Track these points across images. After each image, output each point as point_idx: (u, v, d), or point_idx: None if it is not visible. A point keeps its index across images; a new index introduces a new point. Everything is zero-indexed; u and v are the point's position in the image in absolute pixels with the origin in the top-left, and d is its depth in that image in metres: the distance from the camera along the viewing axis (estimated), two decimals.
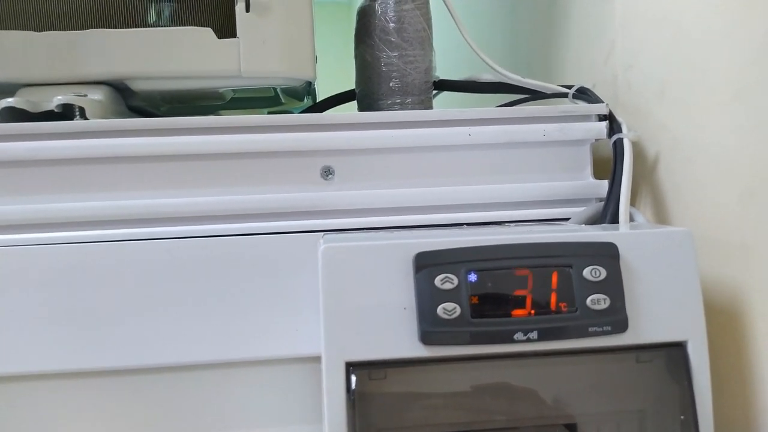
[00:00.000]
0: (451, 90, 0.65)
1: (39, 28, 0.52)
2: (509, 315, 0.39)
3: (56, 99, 0.50)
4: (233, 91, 0.66)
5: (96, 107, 0.51)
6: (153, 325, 0.46)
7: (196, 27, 0.53)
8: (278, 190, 0.50)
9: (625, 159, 0.51)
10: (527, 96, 0.63)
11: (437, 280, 0.39)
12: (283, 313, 0.47)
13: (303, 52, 0.54)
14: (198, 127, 0.49)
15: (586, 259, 0.40)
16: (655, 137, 0.53)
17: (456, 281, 0.39)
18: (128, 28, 0.53)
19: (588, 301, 0.39)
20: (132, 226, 0.49)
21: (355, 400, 0.38)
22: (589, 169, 0.54)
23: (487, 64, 0.63)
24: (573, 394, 0.40)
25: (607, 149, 0.53)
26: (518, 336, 0.39)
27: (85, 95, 0.51)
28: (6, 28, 0.52)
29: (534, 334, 0.39)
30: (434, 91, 0.62)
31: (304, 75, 0.55)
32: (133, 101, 0.58)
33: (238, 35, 0.53)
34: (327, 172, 0.51)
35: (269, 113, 0.74)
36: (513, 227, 0.50)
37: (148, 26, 0.54)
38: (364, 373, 0.39)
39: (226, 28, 0.53)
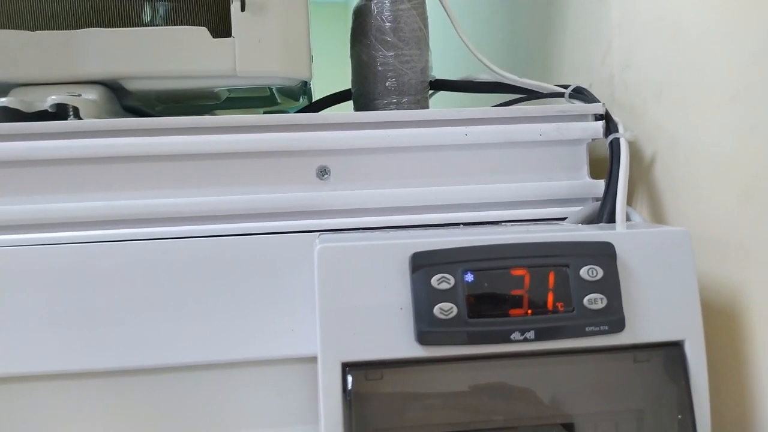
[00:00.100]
0: (448, 90, 0.64)
1: (33, 28, 0.52)
2: (506, 315, 0.39)
3: (50, 99, 0.49)
4: (228, 90, 0.66)
5: (90, 107, 0.50)
6: (149, 326, 0.46)
7: (191, 26, 0.53)
8: (274, 190, 0.50)
9: (621, 159, 0.51)
10: (524, 96, 0.63)
11: (434, 280, 0.39)
12: (279, 314, 0.47)
13: (299, 52, 0.54)
14: (193, 126, 0.49)
15: (583, 259, 0.40)
16: (652, 137, 0.53)
17: (452, 281, 0.39)
18: (123, 27, 0.52)
19: (585, 300, 0.39)
20: (126, 227, 0.49)
21: (351, 400, 0.38)
22: (585, 169, 0.54)
23: (484, 63, 0.62)
24: (570, 394, 0.40)
25: (604, 149, 0.53)
26: (515, 336, 0.39)
27: (80, 95, 0.50)
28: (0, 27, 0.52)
29: (531, 334, 0.39)
30: (430, 91, 0.62)
31: (300, 74, 0.55)
32: (127, 101, 0.58)
33: (233, 35, 0.52)
34: (323, 172, 0.51)
35: (265, 113, 0.74)
36: (509, 227, 0.50)
37: (143, 25, 0.54)
38: (361, 373, 0.39)
39: (221, 28, 0.53)
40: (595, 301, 0.39)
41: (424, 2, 0.59)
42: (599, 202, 0.51)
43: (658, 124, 0.52)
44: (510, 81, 0.62)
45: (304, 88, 0.68)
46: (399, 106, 0.58)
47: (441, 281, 0.39)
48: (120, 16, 0.54)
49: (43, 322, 0.46)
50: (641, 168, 0.55)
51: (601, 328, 0.39)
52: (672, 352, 0.41)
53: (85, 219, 0.48)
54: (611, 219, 0.49)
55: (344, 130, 0.51)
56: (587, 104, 0.54)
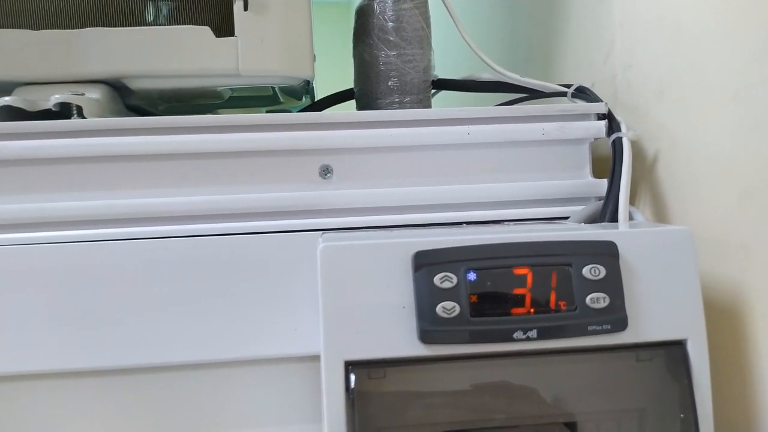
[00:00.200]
0: (450, 89, 0.64)
1: (36, 27, 0.52)
2: (509, 314, 0.39)
3: (53, 98, 0.49)
4: (231, 90, 0.66)
5: (93, 106, 0.51)
6: (151, 325, 0.46)
7: (194, 26, 0.53)
8: (277, 189, 0.50)
9: (624, 158, 0.51)
10: (526, 95, 0.63)
11: (436, 279, 0.39)
12: (282, 313, 0.47)
13: (301, 51, 0.54)
14: (196, 125, 0.49)
15: (586, 258, 0.40)
16: (655, 136, 0.53)
17: (455, 280, 0.39)
18: (126, 26, 0.52)
19: (587, 299, 0.39)
20: (130, 225, 0.49)
21: (354, 399, 0.38)
22: (588, 168, 0.54)
23: (486, 63, 0.62)
24: (573, 393, 0.40)
25: (606, 148, 0.53)
26: (518, 335, 0.39)
27: (83, 94, 0.51)
28: (3, 27, 0.52)
29: (533, 333, 0.39)
30: (433, 91, 0.62)
31: (303, 74, 0.55)
32: (130, 100, 0.58)
33: (236, 34, 0.52)
34: (325, 171, 0.51)
35: (267, 112, 0.74)
36: (512, 226, 0.50)
37: (146, 25, 0.54)
38: (364, 372, 0.39)
39: (224, 27, 0.53)
40: (597, 300, 0.39)
41: (426, 2, 0.59)
42: (602, 202, 0.51)
43: (660, 123, 0.52)
44: (512, 80, 0.61)
45: (307, 87, 0.68)
46: (401, 105, 0.58)
47: (443, 280, 0.39)
48: (123, 15, 0.54)
49: (44, 321, 0.46)
50: (644, 167, 0.55)
51: (604, 327, 0.39)
52: (674, 351, 0.41)
53: (88, 218, 0.48)
54: (614, 218, 0.49)
55: (347, 130, 0.51)
56: (590, 103, 0.54)
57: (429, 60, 0.60)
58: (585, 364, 0.40)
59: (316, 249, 0.40)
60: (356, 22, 0.61)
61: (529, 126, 0.52)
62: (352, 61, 0.62)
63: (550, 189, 0.53)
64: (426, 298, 0.39)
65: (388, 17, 0.58)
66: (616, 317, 0.40)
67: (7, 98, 0.49)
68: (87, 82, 0.52)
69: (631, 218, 0.50)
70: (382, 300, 0.39)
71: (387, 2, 0.58)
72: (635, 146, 0.53)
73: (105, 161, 0.49)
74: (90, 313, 0.46)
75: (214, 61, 0.52)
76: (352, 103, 0.65)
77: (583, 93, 0.56)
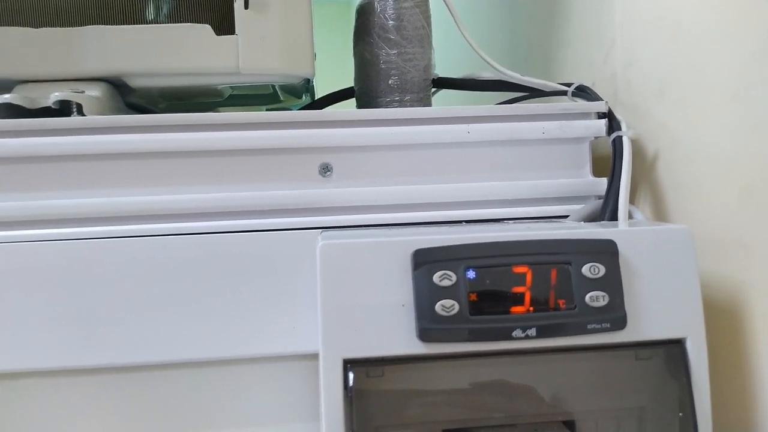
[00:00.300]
0: (450, 88, 0.64)
1: (36, 25, 0.52)
2: (508, 312, 0.39)
3: (53, 95, 0.49)
4: (231, 88, 0.66)
5: (93, 104, 0.51)
6: (150, 322, 0.46)
7: (194, 24, 0.53)
8: (277, 187, 0.50)
9: (624, 156, 0.51)
10: (526, 94, 0.63)
11: (436, 277, 0.39)
12: (281, 311, 0.47)
13: (302, 49, 0.54)
14: (196, 123, 0.49)
15: (585, 256, 0.40)
16: (654, 135, 0.53)
17: (454, 278, 0.39)
18: (126, 24, 0.52)
19: (587, 298, 0.39)
20: (129, 223, 0.49)
21: (352, 397, 0.38)
22: (588, 167, 0.54)
23: (486, 61, 0.62)
24: (572, 391, 0.40)
25: (607, 147, 0.53)
26: (517, 333, 0.39)
27: (83, 92, 0.51)
28: (3, 24, 0.52)
29: (533, 331, 0.39)
30: (433, 89, 0.62)
31: (303, 72, 0.55)
32: (131, 98, 0.58)
33: (236, 32, 0.52)
34: (325, 169, 0.51)
35: (268, 110, 0.74)
36: (512, 224, 0.50)
37: (146, 23, 0.54)
38: (362, 370, 0.39)
39: (224, 25, 0.53)
40: (596, 298, 0.39)
41: (427, 0, 0.59)
42: (601, 200, 0.51)
43: (660, 122, 0.52)
44: (513, 79, 0.61)
45: (307, 85, 0.68)
46: (402, 103, 0.58)
47: (443, 278, 0.39)
48: (123, 13, 0.54)
49: (44, 318, 0.46)
50: (643, 166, 0.54)
51: (603, 325, 0.39)
52: (673, 349, 0.41)
53: (88, 215, 0.48)
54: (613, 217, 0.49)
55: (347, 128, 0.51)
56: (590, 102, 0.54)
57: (429, 58, 0.60)
58: (584, 363, 0.40)
59: (316, 247, 0.40)
60: (357, 20, 0.61)
61: (530, 125, 0.52)
62: (352, 59, 0.62)
63: (550, 187, 0.53)
64: (425, 296, 0.39)
65: (389, 16, 0.58)
66: (615, 316, 0.40)
67: (7, 96, 0.49)
68: (87, 79, 0.52)
69: (630, 217, 0.50)
70: (381, 298, 0.39)
71: (388, 1, 0.58)
72: (635, 145, 0.53)
73: (105, 159, 0.49)
74: (90, 310, 0.46)
75: (214, 60, 0.52)
76: (353, 101, 0.65)
77: (583, 92, 0.56)
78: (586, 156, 0.54)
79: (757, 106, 0.42)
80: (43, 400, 0.47)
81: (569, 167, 0.54)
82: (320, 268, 0.40)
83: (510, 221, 0.52)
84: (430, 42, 0.60)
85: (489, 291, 0.39)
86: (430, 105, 0.61)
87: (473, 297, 0.39)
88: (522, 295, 0.39)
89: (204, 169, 0.50)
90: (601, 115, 0.54)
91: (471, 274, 0.39)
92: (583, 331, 0.39)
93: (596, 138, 0.53)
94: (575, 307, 0.39)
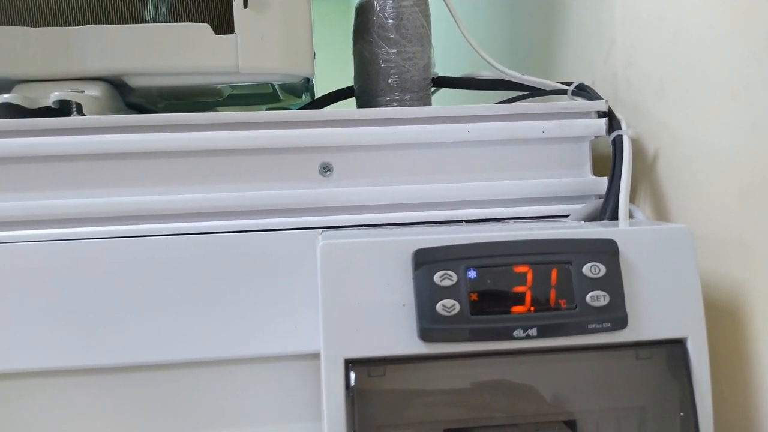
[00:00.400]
0: (450, 87, 0.64)
1: (36, 24, 0.52)
2: (509, 312, 0.39)
3: (53, 95, 0.49)
4: (231, 87, 0.66)
5: (93, 103, 0.50)
6: (151, 322, 0.46)
7: (193, 23, 0.53)
8: (277, 187, 0.50)
9: (624, 156, 0.51)
10: (526, 93, 0.63)
11: (436, 277, 0.39)
12: (282, 310, 0.47)
13: (301, 49, 0.54)
14: (196, 123, 0.49)
15: (586, 256, 0.40)
16: (655, 135, 0.53)
17: (455, 278, 0.39)
18: (125, 24, 0.52)
19: (587, 297, 0.39)
20: (129, 223, 0.49)
21: (354, 397, 0.38)
22: (588, 166, 0.54)
23: (486, 61, 0.62)
24: (572, 391, 0.40)
25: (607, 146, 0.53)
26: (518, 333, 0.39)
27: (82, 91, 0.50)
28: (2, 24, 0.52)
29: (533, 331, 0.39)
30: (433, 88, 0.62)
31: (303, 71, 0.55)
32: (130, 98, 0.58)
33: (235, 31, 0.52)
34: (325, 169, 0.51)
35: (267, 110, 0.74)
36: (512, 224, 0.50)
37: (146, 22, 0.54)
38: (363, 370, 0.39)
39: (223, 24, 0.53)
40: (597, 298, 0.39)
41: None
42: (602, 200, 0.51)
43: (660, 121, 0.52)
44: (512, 78, 0.61)
45: (307, 84, 0.68)
46: (401, 103, 0.58)
47: (444, 278, 0.39)
48: (123, 12, 0.54)
49: (44, 318, 0.46)
50: (644, 165, 0.55)
51: (604, 325, 0.39)
52: (674, 349, 0.41)
53: (88, 215, 0.48)
54: (614, 216, 0.49)
55: (347, 127, 0.51)
56: (590, 101, 0.54)
57: (429, 57, 0.60)
58: (585, 363, 0.40)
59: (316, 247, 0.40)
60: (356, 19, 0.60)
61: (530, 124, 0.52)
62: (351, 58, 0.62)
63: (550, 187, 0.53)
64: (426, 296, 0.39)
65: (388, 14, 0.58)
66: (616, 315, 0.40)
67: (6, 95, 0.49)
68: (87, 79, 0.52)
69: (631, 216, 0.50)
70: (382, 298, 0.39)
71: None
72: (635, 144, 0.53)
73: (104, 159, 0.49)
74: (90, 310, 0.46)
75: (213, 59, 0.52)
76: (352, 100, 0.64)
77: (583, 91, 0.56)
78: (587, 155, 0.54)
79: (757, 105, 0.42)
80: (43, 400, 0.47)
81: (569, 166, 0.54)
82: (321, 267, 0.40)
83: (510, 221, 0.52)
84: (430, 41, 0.60)
85: (490, 291, 0.39)
86: (429, 104, 0.60)
87: (474, 297, 0.39)
88: (523, 295, 0.39)
89: (204, 169, 0.50)
90: (601, 114, 0.53)
91: (472, 273, 0.39)
92: (583, 330, 0.39)
93: (596, 137, 0.53)
94: (576, 306, 0.39)
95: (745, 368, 0.44)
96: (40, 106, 0.50)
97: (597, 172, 0.54)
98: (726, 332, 0.45)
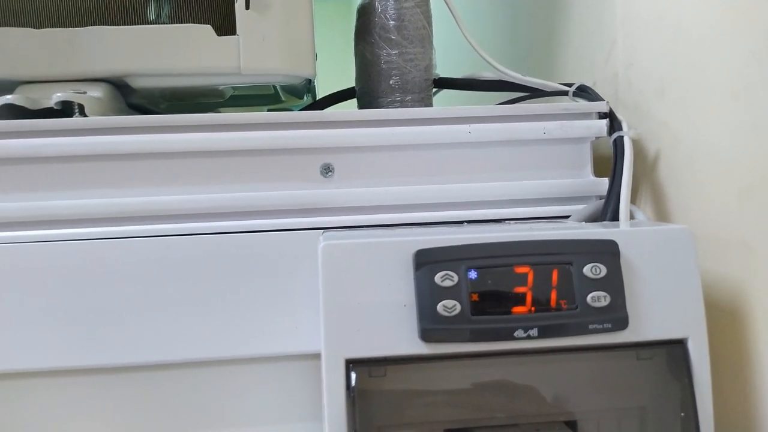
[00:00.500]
0: (451, 88, 0.64)
1: (38, 25, 0.52)
2: (509, 312, 0.39)
3: (55, 96, 0.49)
4: (233, 88, 0.66)
5: (95, 104, 0.51)
6: (152, 323, 0.46)
7: (195, 24, 0.53)
8: (278, 188, 0.50)
9: (625, 157, 0.51)
10: (527, 94, 0.63)
11: (437, 278, 0.39)
12: (283, 311, 0.47)
13: (303, 50, 0.54)
14: (198, 124, 0.49)
15: (587, 257, 0.40)
16: (656, 135, 0.53)
17: (456, 278, 0.39)
18: (127, 25, 0.52)
19: (588, 298, 0.39)
20: (131, 224, 0.49)
21: (355, 397, 0.38)
22: (589, 167, 0.54)
23: (488, 62, 0.62)
24: (573, 391, 0.40)
25: (608, 147, 0.53)
26: (518, 333, 0.39)
27: (85, 92, 0.51)
28: (5, 25, 0.52)
29: (534, 332, 0.39)
30: (434, 89, 0.62)
31: (304, 72, 0.55)
32: (132, 98, 0.58)
33: (237, 32, 0.52)
34: (327, 170, 0.51)
35: (269, 111, 0.74)
36: (513, 225, 0.50)
37: (148, 23, 0.54)
38: (364, 370, 0.39)
39: (225, 26, 0.53)
40: (598, 298, 0.39)
41: (427, 0, 0.59)
42: (603, 201, 0.51)
43: (661, 122, 0.52)
44: (514, 79, 0.61)
45: (308, 85, 0.68)
46: (403, 104, 0.58)
47: (444, 278, 0.39)
48: (125, 13, 0.54)
49: (45, 318, 0.46)
50: (645, 166, 0.55)
51: (605, 325, 0.39)
52: (675, 349, 0.41)
53: (89, 216, 0.48)
54: (615, 217, 0.49)
55: (348, 128, 0.51)
56: (591, 102, 0.54)
57: (430, 59, 0.60)
58: (586, 363, 0.40)
59: (317, 247, 0.40)
60: (357, 20, 0.61)
61: (531, 125, 0.52)
62: (353, 59, 0.62)
63: (551, 188, 0.53)
64: (427, 296, 0.39)
65: (390, 16, 0.58)
66: (616, 316, 0.40)
67: (9, 96, 0.49)
68: (89, 80, 0.52)
69: (632, 217, 0.50)
70: (383, 298, 0.39)
71: (388, 1, 0.58)
72: (636, 145, 0.53)
73: (106, 160, 0.49)
74: (90, 310, 0.46)
75: (215, 60, 0.52)
76: (354, 101, 0.65)
77: (584, 92, 0.56)
78: (587, 156, 0.54)
79: (758, 105, 0.42)
80: (43, 400, 0.47)
81: (570, 167, 0.54)
82: (322, 268, 0.40)
83: (511, 221, 0.52)
84: (431, 42, 0.60)
85: (490, 291, 0.39)
86: (431, 105, 0.61)
87: (475, 297, 0.39)
88: (523, 296, 0.39)
89: (205, 170, 0.50)
90: (602, 115, 0.54)
91: (472, 274, 0.39)
92: (584, 331, 0.39)
93: (597, 138, 0.53)
94: (577, 307, 0.39)
95: (746, 368, 0.44)
96: (43, 107, 0.50)
97: (598, 173, 0.54)
98: (727, 332, 0.45)
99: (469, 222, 0.52)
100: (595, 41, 0.62)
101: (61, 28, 0.52)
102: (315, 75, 0.56)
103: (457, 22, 0.63)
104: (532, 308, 0.39)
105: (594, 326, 0.39)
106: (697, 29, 0.48)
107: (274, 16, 0.53)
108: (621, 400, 0.41)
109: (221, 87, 0.61)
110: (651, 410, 0.41)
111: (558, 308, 0.39)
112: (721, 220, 0.46)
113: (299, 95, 0.72)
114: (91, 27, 0.52)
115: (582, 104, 0.54)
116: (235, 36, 0.52)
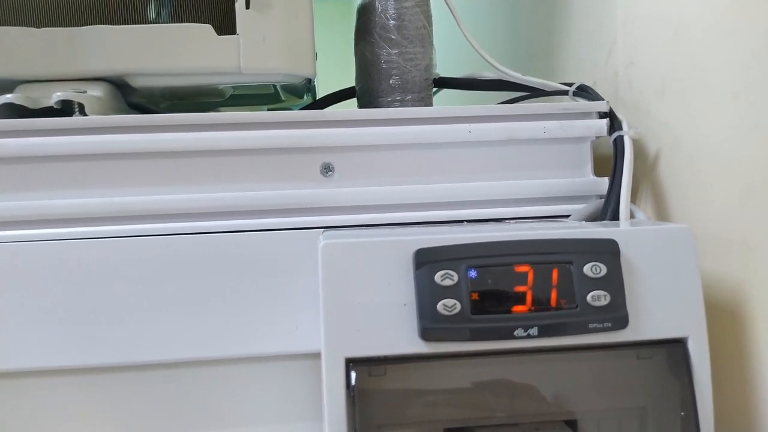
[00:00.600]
0: (451, 87, 0.64)
1: (38, 24, 0.52)
2: (509, 311, 0.39)
3: (55, 95, 0.49)
4: (233, 88, 0.66)
5: (95, 104, 0.51)
6: (152, 322, 0.46)
7: (195, 23, 0.53)
8: (278, 187, 0.50)
9: (625, 156, 0.51)
10: (527, 93, 0.63)
11: (437, 277, 0.39)
12: (283, 310, 0.47)
13: (303, 49, 0.54)
14: (198, 123, 0.49)
15: (587, 256, 0.40)
16: (656, 135, 0.53)
17: (456, 278, 0.39)
18: (128, 24, 0.52)
19: (588, 297, 0.39)
20: (131, 223, 0.49)
21: (355, 396, 0.38)
22: (589, 167, 0.54)
23: (488, 61, 0.62)
24: (573, 391, 0.40)
25: (608, 146, 0.53)
26: (518, 332, 0.39)
27: (85, 92, 0.51)
28: (5, 24, 0.52)
29: (534, 331, 0.39)
30: (434, 89, 0.62)
31: (304, 72, 0.55)
32: (132, 98, 0.58)
33: (237, 32, 0.52)
34: (327, 169, 0.51)
35: (269, 110, 0.74)
36: (513, 224, 0.50)
37: (148, 23, 0.54)
38: (364, 369, 0.39)
39: (225, 25, 0.53)
40: (598, 298, 0.39)
41: (428, 0, 0.59)
42: (603, 200, 0.51)
43: (661, 121, 0.52)
44: (514, 79, 0.61)
45: (309, 85, 0.68)
46: (403, 103, 0.59)
47: (444, 278, 0.39)
48: (125, 13, 0.54)
49: (45, 317, 0.46)
50: (645, 165, 0.55)
51: (605, 325, 0.39)
52: (675, 349, 0.41)
53: (90, 215, 0.48)
54: (615, 216, 0.49)
55: (348, 128, 0.51)
56: (591, 102, 0.54)
57: (430, 58, 0.60)
58: (586, 362, 0.40)
59: (317, 247, 0.40)
60: (358, 20, 0.61)
61: (531, 124, 0.52)
62: (353, 59, 0.62)
63: (551, 187, 0.53)
64: (427, 295, 0.39)
65: (390, 15, 0.58)
66: (616, 315, 0.40)
67: (9, 96, 0.49)
68: (89, 79, 0.52)
69: (632, 216, 0.50)
70: (383, 297, 0.39)
71: (389, 0, 0.58)
72: (636, 144, 0.53)
73: (106, 159, 0.49)
74: (90, 310, 0.46)
75: (215, 59, 0.52)
76: (354, 101, 0.65)
77: (584, 91, 0.56)
78: (588, 155, 0.54)
79: (758, 104, 0.42)
80: (43, 400, 0.47)
81: (570, 167, 0.54)
82: (322, 267, 0.40)
83: (511, 221, 0.52)
84: (431, 42, 0.60)
85: (490, 290, 0.39)
86: (431, 104, 0.61)
87: (475, 296, 0.39)
88: (523, 295, 0.39)
89: (205, 169, 0.50)
90: (602, 115, 0.54)
91: (472, 273, 0.39)
92: (584, 330, 0.39)
93: (597, 137, 0.53)
94: (577, 306, 0.39)
95: (746, 368, 0.44)
96: (43, 106, 0.50)
97: (598, 172, 0.54)
98: (727, 332, 0.45)
99: (469, 221, 0.52)
100: (596, 41, 0.62)
101: (61, 28, 0.52)
102: (315, 74, 0.56)
103: (457, 22, 0.63)
104: (532, 307, 0.39)
105: (594, 325, 0.39)
106: (697, 29, 0.48)
107: (274, 15, 0.53)
108: (621, 400, 0.41)
109: (221, 86, 0.61)
110: (651, 410, 0.41)
111: (558, 307, 0.39)
112: (721, 220, 0.46)
113: (299, 95, 0.72)
114: (91, 26, 0.52)
115: (582, 104, 0.54)
116: (235, 35, 0.52)
